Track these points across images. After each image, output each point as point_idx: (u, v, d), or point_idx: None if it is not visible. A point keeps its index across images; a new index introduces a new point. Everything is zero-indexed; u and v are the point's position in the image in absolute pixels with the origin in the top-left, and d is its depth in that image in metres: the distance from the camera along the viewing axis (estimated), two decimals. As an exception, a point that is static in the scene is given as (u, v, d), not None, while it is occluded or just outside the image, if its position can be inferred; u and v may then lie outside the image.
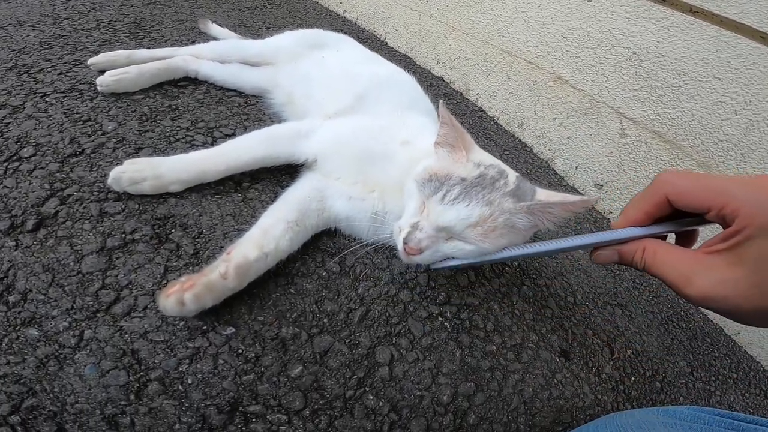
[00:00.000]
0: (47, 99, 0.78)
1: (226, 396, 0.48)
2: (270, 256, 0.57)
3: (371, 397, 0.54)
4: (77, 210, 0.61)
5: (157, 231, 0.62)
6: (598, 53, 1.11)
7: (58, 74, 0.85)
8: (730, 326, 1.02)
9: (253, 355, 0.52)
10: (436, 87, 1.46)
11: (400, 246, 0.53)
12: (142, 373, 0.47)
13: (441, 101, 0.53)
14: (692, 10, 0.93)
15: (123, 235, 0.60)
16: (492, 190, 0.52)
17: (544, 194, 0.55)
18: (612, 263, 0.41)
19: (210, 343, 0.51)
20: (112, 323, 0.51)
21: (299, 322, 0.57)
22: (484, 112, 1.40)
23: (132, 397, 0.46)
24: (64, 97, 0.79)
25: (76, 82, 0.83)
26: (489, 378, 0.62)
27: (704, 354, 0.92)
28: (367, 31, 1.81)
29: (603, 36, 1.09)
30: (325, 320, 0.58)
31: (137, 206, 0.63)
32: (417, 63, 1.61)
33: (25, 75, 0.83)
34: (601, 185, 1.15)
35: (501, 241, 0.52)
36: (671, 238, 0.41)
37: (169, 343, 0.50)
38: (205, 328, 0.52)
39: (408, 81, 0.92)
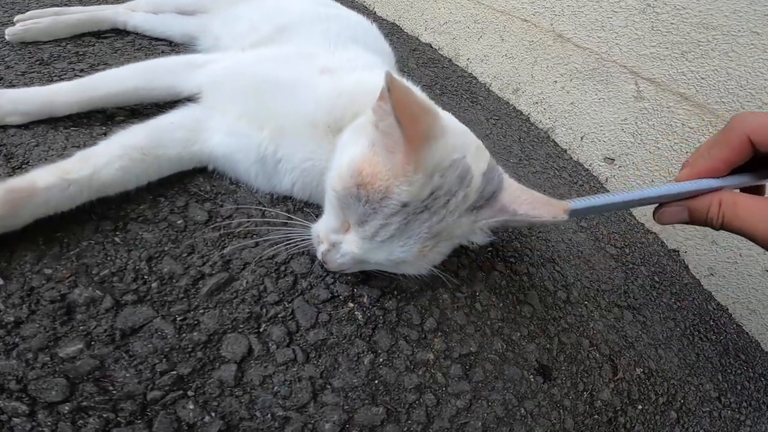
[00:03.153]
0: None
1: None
2: (76, 186, 0.39)
3: (191, 406, 0.33)
4: None
5: (-32, 159, 0.46)
6: (604, 6, 0.95)
7: (-23, 32, 0.76)
8: (771, 343, 0.78)
9: (12, 319, 0.34)
10: (420, 53, 1.29)
11: (318, 255, 0.44)
12: None
13: (386, 70, 0.33)
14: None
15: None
16: (445, 214, 0.39)
17: (510, 193, 0.42)
18: (679, 222, 0.37)
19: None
20: None
21: (108, 282, 0.37)
22: (475, 78, 1.23)
23: None
24: (-35, 49, 0.69)
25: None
26: (413, 402, 0.41)
27: (736, 374, 0.71)
28: (357, 1, 1.67)
29: (609, -13, 0.94)
30: (154, 285, 0.38)
31: (-34, 135, 0.49)
32: (405, 30, 1.48)
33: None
34: (613, 159, 0.95)
35: (437, 258, 0.44)
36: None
37: None
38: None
39: (357, 19, 0.79)
